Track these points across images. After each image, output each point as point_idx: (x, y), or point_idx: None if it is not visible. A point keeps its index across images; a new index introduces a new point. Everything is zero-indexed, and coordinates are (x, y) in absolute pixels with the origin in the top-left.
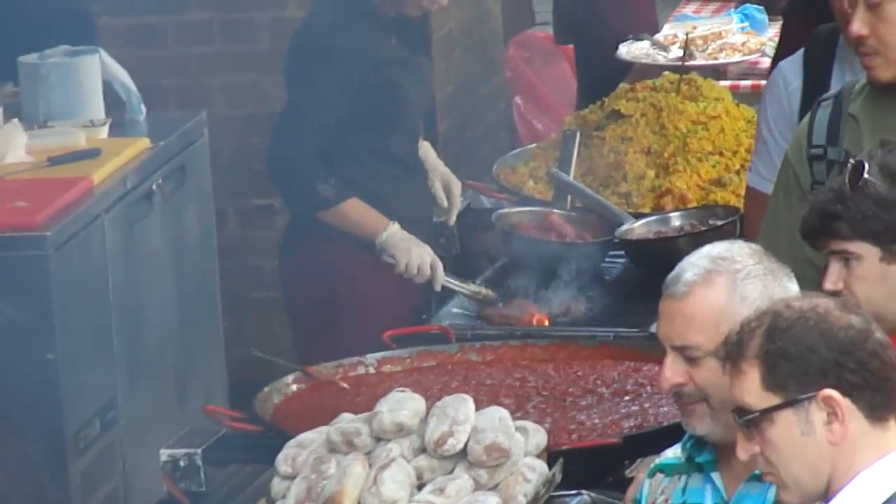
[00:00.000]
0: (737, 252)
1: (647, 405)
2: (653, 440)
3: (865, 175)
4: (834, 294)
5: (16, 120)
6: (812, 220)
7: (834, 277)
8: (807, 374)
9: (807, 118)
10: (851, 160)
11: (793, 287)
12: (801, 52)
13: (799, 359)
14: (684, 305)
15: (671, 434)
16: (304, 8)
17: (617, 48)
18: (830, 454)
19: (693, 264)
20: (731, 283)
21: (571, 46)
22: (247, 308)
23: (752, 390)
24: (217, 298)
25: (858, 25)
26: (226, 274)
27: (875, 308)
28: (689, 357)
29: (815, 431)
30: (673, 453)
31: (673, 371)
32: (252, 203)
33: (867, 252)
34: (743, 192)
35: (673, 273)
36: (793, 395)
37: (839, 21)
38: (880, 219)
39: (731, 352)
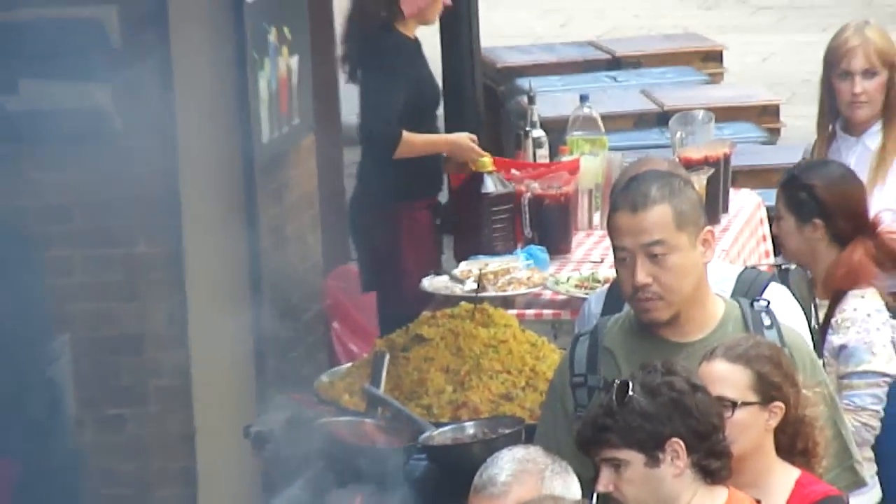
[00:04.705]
0: (535, 454)
1: None
2: None
3: (630, 392)
4: (606, 496)
5: None
6: (586, 432)
7: (605, 481)
8: None
9: (568, 351)
10: (617, 380)
11: (576, 481)
12: (608, 287)
13: None
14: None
15: None
16: (157, 245)
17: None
18: None
19: (502, 467)
20: (540, 480)
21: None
22: None
23: None
24: None
25: (643, 275)
26: None
27: None
28: None
29: None
30: None
31: None
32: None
33: (633, 458)
34: (527, 406)
35: (484, 476)
36: None
37: (621, 280)
38: (644, 429)
39: None
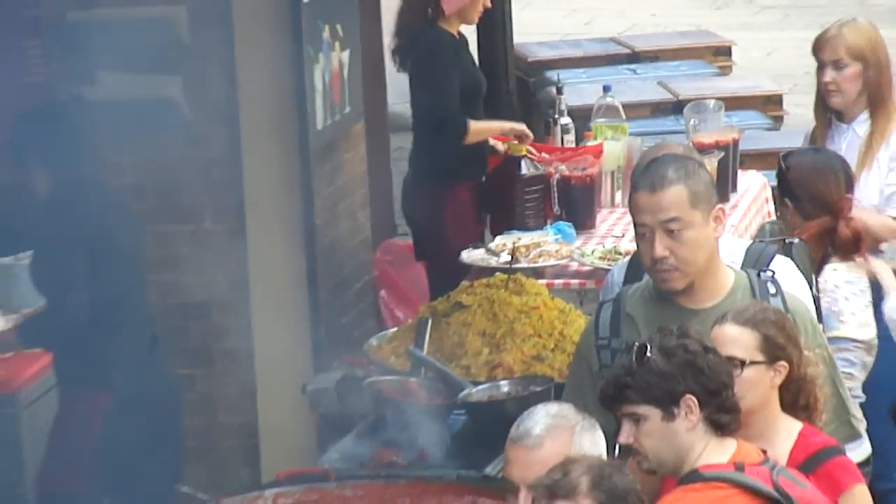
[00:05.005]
0: (567, 411)
1: None
2: None
3: (648, 354)
4: (627, 447)
5: None
6: (608, 390)
7: (626, 434)
8: None
9: (593, 317)
10: (637, 343)
11: (602, 436)
12: (629, 259)
13: (622, 499)
14: (537, 454)
15: None
16: (222, 222)
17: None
18: None
19: (537, 422)
20: (571, 435)
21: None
22: None
23: None
24: None
25: (661, 249)
26: None
27: (659, 456)
28: None
29: None
30: None
31: None
32: None
33: (651, 413)
34: (556, 366)
35: (521, 429)
36: None
37: (641, 253)
38: (660, 387)
39: (559, 489)
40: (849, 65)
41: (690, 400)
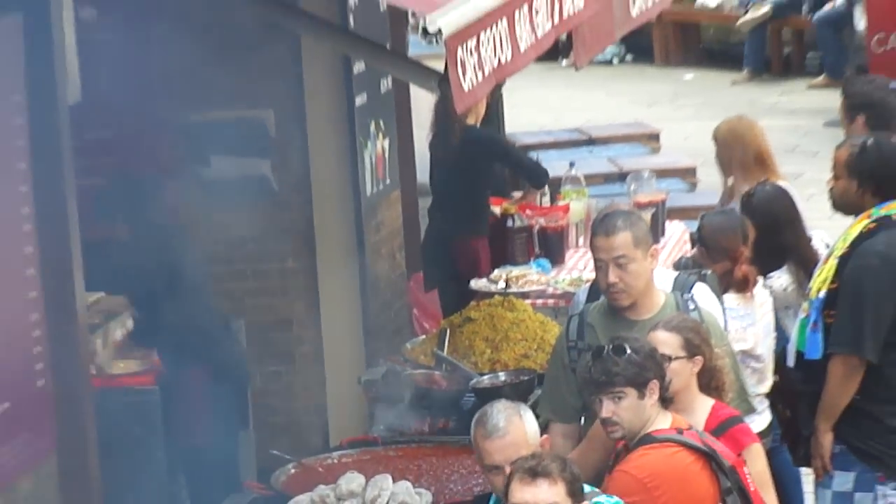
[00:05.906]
0: (507, 402)
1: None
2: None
3: (627, 351)
4: (606, 420)
5: None
6: (599, 377)
7: (608, 410)
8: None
9: (564, 326)
10: (614, 343)
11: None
12: (589, 284)
13: (578, 481)
14: (507, 439)
15: None
16: (300, 261)
17: (468, 285)
18: None
19: (498, 417)
20: (520, 417)
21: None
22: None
23: (560, 494)
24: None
25: (613, 277)
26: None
27: (631, 425)
28: None
29: None
30: None
31: None
32: None
33: (630, 392)
34: (539, 362)
35: (489, 426)
36: (580, 498)
37: (598, 279)
38: (638, 373)
39: (539, 470)
40: (717, 147)
41: (654, 383)
